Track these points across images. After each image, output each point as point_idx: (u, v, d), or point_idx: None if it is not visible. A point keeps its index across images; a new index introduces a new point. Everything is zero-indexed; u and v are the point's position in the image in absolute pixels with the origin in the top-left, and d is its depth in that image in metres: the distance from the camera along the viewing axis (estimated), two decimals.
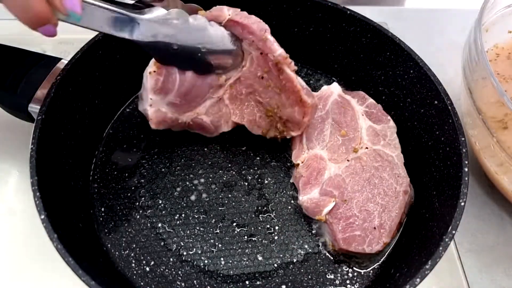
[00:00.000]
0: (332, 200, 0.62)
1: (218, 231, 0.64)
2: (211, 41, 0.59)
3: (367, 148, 0.67)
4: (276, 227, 0.65)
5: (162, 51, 0.58)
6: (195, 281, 0.60)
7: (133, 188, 0.67)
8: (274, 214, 0.66)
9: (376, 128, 0.70)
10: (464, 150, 0.59)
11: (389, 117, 0.71)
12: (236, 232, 0.64)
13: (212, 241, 0.63)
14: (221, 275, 0.60)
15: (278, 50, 0.61)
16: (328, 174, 0.65)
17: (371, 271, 0.62)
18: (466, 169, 0.58)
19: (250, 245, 0.63)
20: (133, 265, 0.61)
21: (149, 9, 0.55)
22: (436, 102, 0.66)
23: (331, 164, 0.66)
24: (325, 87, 0.73)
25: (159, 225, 0.64)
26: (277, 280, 0.61)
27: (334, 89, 0.73)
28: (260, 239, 0.64)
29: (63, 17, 0.48)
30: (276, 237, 0.64)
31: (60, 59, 0.65)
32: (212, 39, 0.59)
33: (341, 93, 0.73)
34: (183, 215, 0.65)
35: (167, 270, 0.61)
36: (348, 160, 0.66)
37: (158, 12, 0.55)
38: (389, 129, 0.70)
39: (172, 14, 0.56)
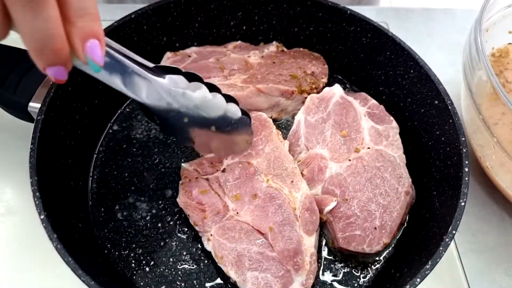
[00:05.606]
0: (334, 199, 0.62)
1: None
2: (227, 120, 0.56)
3: (369, 148, 0.67)
4: None
5: (169, 120, 0.53)
6: (195, 281, 0.60)
7: (132, 188, 0.67)
8: None
9: (379, 129, 0.70)
10: (464, 150, 0.59)
11: (391, 118, 0.71)
12: None
13: None
14: (221, 275, 0.60)
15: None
16: (329, 173, 0.65)
17: (371, 271, 0.62)
18: (467, 169, 0.58)
19: None
20: (133, 265, 0.61)
21: (170, 76, 0.51)
22: (436, 102, 0.66)
23: (332, 163, 0.66)
24: (327, 89, 0.73)
25: (159, 225, 0.64)
26: None
27: (336, 91, 0.73)
28: None
29: (79, 64, 0.42)
30: None
31: None
32: (228, 117, 0.56)
33: (343, 95, 0.72)
34: (183, 215, 0.65)
35: (167, 270, 0.61)
36: (349, 160, 0.66)
37: (178, 80, 0.51)
38: (391, 129, 0.70)
39: (192, 86, 0.52)
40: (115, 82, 0.47)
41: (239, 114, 0.57)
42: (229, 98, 0.56)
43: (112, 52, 0.46)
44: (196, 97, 0.52)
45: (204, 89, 0.53)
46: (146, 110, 0.53)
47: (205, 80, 0.54)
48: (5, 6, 0.35)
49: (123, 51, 0.48)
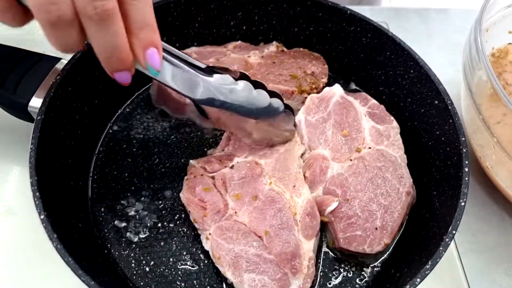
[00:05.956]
0: (335, 200, 0.62)
1: None
2: (270, 115, 0.62)
3: (370, 148, 0.67)
4: None
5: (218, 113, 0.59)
6: (195, 281, 0.60)
7: (133, 188, 0.67)
8: None
9: (380, 129, 0.70)
10: (464, 150, 0.59)
11: (392, 118, 0.71)
12: None
13: None
14: (221, 275, 0.60)
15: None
16: (331, 173, 0.65)
17: (371, 271, 0.62)
18: (467, 169, 0.58)
19: None
20: (133, 265, 0.61)
21: (218, 75, 0.57)
22: (436, 102, 0.66)
23: (334, 163, 0.66)
24: (327, 89, 0.73)
25: (159, 225, 0.64)
26: None
27: (336, 91, 0.73)
28: None
29: (141, 68, 0.49)
30: None
31: (60, 59, 0.65)
32: (272, 114, 0.62)
33: (343, 95, 0.72)
34: (183, 215, 0.65)
35: (167, 270, 0.60)
36: (351, 160, 0.66)
37: (225, 78, 0.57)
38: (392, 129, 0.70)
39: (239, 84, 0.58)
40: (170, 82, 0.54)
41: (282, 108, 0.62)
42: (272, 94, 0.61)
43: (168, 56, 0.52)
44: (243, 93, 0.58)
45: (250, 85, 0.58)
46: (198, 106, 0.58)
47: None
48: (81, 24, 0.43)
49: (178, 53, 0.54)
